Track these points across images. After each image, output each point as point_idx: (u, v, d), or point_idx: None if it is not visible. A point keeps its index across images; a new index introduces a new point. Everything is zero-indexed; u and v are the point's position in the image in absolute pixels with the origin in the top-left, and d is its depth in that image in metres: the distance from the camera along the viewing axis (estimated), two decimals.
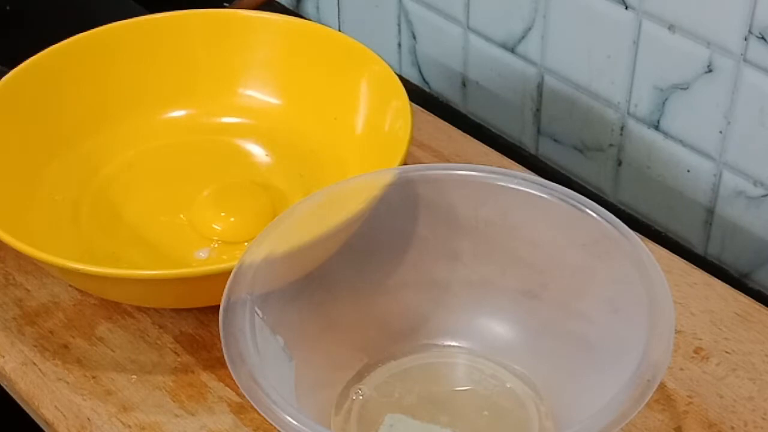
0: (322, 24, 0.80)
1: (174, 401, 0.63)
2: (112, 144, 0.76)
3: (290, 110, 0.78)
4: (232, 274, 0.56)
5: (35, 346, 0.66)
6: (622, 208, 0.81)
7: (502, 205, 0.61)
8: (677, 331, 0.66)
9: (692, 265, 0.70)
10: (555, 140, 0.83)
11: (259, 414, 0.51)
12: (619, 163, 0.79)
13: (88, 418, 0.62)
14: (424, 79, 0.91)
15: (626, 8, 0.73)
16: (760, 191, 0.71)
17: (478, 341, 0.63)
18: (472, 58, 0.85)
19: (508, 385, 0.61)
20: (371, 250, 0.63)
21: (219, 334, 0.54)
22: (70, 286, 0.69)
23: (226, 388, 0.63)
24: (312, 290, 0.61)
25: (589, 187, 0.82)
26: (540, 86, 0.81)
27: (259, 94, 0.78)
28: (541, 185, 0.61)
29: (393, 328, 0.63)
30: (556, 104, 0.81)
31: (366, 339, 0.63)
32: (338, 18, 0.95)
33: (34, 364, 0.65)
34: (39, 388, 0.64)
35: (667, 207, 0.77)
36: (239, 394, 0.62)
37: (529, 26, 0.79)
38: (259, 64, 0.78)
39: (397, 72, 0.88)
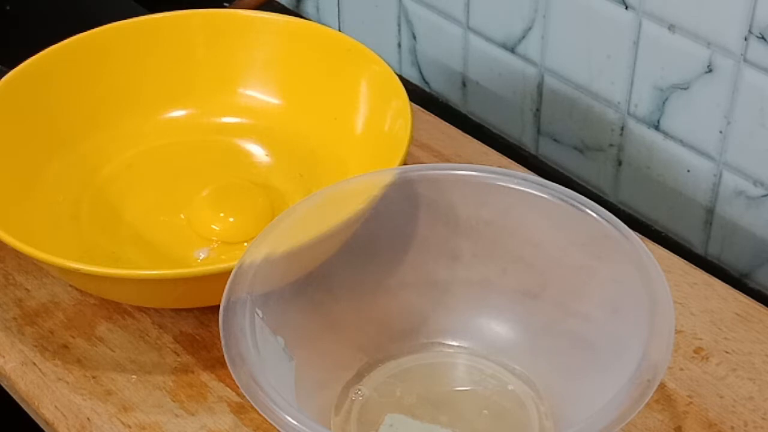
0: (322, 24, 0.80)
1: (174, 401, 0.63)
2: (111, 144, 0.76)
3: (290, 110, 0.78)
4: (232, 274, 0.56)
5: (35, 346, 0.66)
6: (622, 208, 0.81)
7: (502, 205, 0.61)
8: (677, 331, 0.66)
9: (692, 265, 0.70)
10: (555, 140, 0.83)
11: (259, 414, 0.51)
12: (619, 163, 0.79)
13: (88, 418, 0.62)
14: (424, 79, 0.91)
15: (626, 8, 0.73)
16: (760, 191, 0.71)
17: (478, 341, 0.63)
18: (472, 58, 0.85)
19: (509, 386, 0.61)
20: (371, 250, 0.63)
21: (219, 334, 0.54)
22: (70, 286, 0.69)
23: (226, 388, 0.63)
24: (312, 290, 0.61)
25: (589, 187, 0.82)
26: (540, 86, 0.81)
27: (259, 94, 0.78)
28: (541, 185, 0.61)
29: (393, 328, 0.63)
30: (556, 104, 0.81)
31: (366, 339, 0.63)
32: (338, 18, 0.95)
33: (34, 364, 0.65)
34: (39, 388, 0.64)
35: (667, 207, 0.77)
36: (239, 394, 0.62)
37: (529, 26, 0.79)
38: (259, 64, 0.78)
39: (397, 72, 0.88)
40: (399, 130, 0.69)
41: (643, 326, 0.54)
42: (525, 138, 0.85)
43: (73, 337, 0.66)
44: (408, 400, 0.60)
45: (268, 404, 0.51)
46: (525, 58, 0.81)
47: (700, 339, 0.66)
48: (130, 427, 0.61)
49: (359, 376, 0.62)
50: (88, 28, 0.76)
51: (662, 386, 0.63)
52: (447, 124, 0.82)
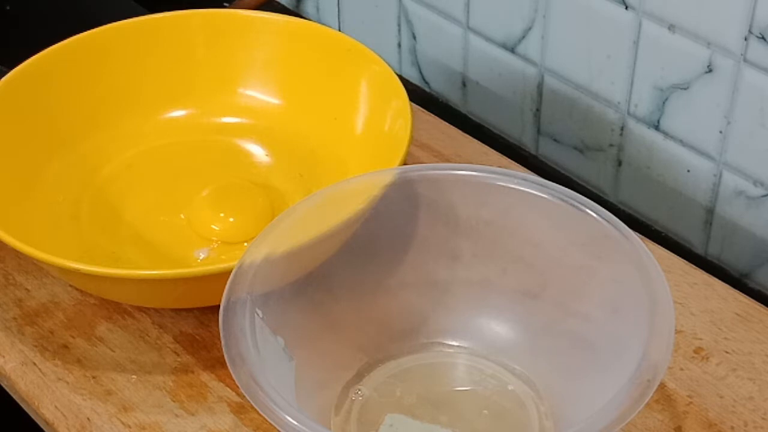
0: (322, 24, 0.80)
1: (174, 401, 0.63)
2: (111, 144, 0.76)
3: (290, 110, 0.78)
4: (232, 274, 0.56)
5: (35, 346, 0.66)
6: (622, 208, 0.81)
7: (502, 205, 0.61)
8: (677, 331, 0.66)
9: (692, 265, 0.70)
10: (555, 140, 0.83)
11: (259, 414, 0.51)
12: (619, 163, 0.79)
13: (88, 418, 0.62)
14: (424, 79, 0.91)
15: (626, 8, 0.73)
16: (760, 191, 0.71)
17: (478, 341, 0.63)
18: (472, 58, 0.85)
19: (509, 386, 0.61)
20: (371, 250, 0.63)
21: (219, 334, 0.54)
22: (70, 286, 0.69)
23: (226, 388, 0.63)
24: (312, 290, 0.61)
25: (589, 187, 0.82)
26: (540, 86, 0.81)
27: (259, 94, 0.78)
28: (541, 185, 0.61)
29: (393, 328, 0.63)
30: (556, 104, 0.81)
31: (366, 339, 0.63)
32: (338, 18, 0.95)
33: (34, 364, 0.65)
34: (39, 388, 0.64)
35: (667, 207, 0.77)
36: (239, 394, 0.62)
37: (529, 26, 0.79)
38: (259, 64, 0.78)
39: (397, 72, 0.88)
40: (399, 130, 0.69)
41: (643, 326, 0.54)
42: (525, 138, 0.85)
43: (73, 337, 0.66)
44: (408, 400, 0.60)
45: (268, 404, 0.51)
46: (525, 58, 0.81)
47: (700, 339, 0.66)
48: (130, 427, 0.61)
49: (359, 376, 0.62)
50: (88, 28, 0.76)
51: (662, 386, 0.63)
52: (447, 124, 0.82)
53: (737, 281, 0.75)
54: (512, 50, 0.82)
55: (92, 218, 0.72)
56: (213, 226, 0.71)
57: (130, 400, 0.63)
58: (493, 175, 0.62)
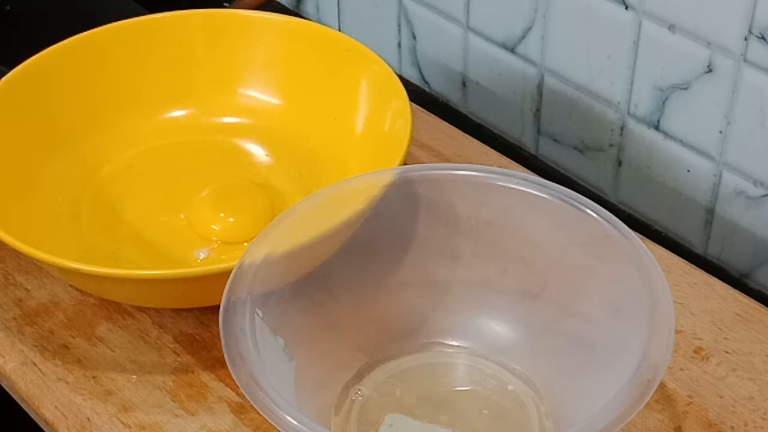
0: (322, 24, 0.80)
1: (174, 401, 0.63)
2: (111, 144, 0.76)
3: (290, 110, 0.78)
4: (232, 274, 0.56)
5: (35, 346, 0.66)
6: (622, 208, 0.81)
7: (502, 205, 0.61)
8: (677, 331, 0.66)
9: (692, 265, 0.70)
10: (555, 140, 0.83)
11: (259, 414, 0.51)
12: (619, 163, 0.79)
13: (88, 418, 0.62)
14: (424, 79, 0.91)
15: (626, 8, 0.73)
16: (760, 191, 0.71)
17: (478, 341, 0.63)
18: (472, 58, 0.85)
19: (509, 386, 0.61)
20: (371, 250, 0.63)
21: (219, 334, 0.54)
22: (70, 286, 0.69)
23: (226, 388, 0.63)
24: (312, 290, 0.61)
25: (589, 187, 0.82)
26: (540, 86, 0.81)
27: (259, 94, 0.78)
28: (541, 185, 0.61)
29: (393, 328, 0.63)
30: (556, 104, 0.81)
31: (366, 339, 0.63)
32: (338, 18, 0.95)
33: (34, 364, 0.65)
34: (39, 388, 0.64)
35: (667, 207, 0.77)
36: (239, 394, 0.62)
37: (529, 26, 0.79)
38: (259, 64, 0.78)
39: (397, 72, 0.88)
40: (399, 130, 0.69)
41: (643, 326, 0.54)
42: (525, 138, 0.85)
43: (73, 337, 0.66)
44: (408, 400, 0.60)
45: (268, 404, 0.51)
46: (525, 58, 0.81)
47: (700, 339, 0.66)
48: (130, 427, 0.61)
49: (359, 376, 0.62)
50: (88, 28, 0.76)
51: (662, 386, 0.63)
52: (447, 124, 0.82)
53: (737, 281, 0.75)
54: (512, 50, 0.82)
55: (92, 218, 0.72)
56: (213, 226, 0.71)
57: (130, 400, 0.63)
58: (493, 175, 0.62)
